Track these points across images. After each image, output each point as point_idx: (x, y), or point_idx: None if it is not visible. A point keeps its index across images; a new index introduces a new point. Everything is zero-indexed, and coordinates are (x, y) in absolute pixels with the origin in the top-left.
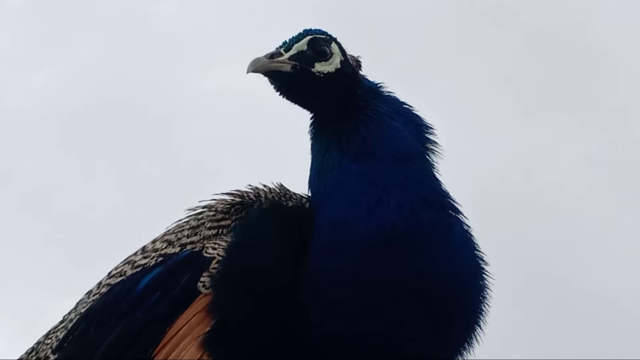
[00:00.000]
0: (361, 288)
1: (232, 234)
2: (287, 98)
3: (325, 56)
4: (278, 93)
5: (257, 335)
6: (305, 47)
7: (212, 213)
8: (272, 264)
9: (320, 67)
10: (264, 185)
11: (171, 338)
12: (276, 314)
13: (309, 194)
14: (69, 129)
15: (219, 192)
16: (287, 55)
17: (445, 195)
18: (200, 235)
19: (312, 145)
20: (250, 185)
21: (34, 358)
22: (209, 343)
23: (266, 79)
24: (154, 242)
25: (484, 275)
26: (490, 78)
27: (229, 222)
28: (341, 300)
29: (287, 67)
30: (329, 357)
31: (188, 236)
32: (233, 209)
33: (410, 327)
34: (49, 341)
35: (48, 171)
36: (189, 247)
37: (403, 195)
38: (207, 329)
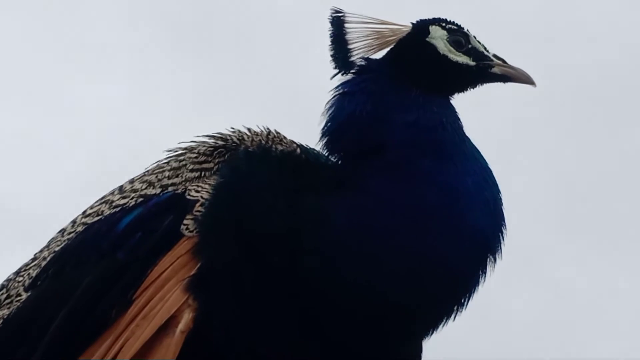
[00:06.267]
0: (423, 252)
1: (217, 175)
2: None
3: None
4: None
5: (245, 280)
6: None
7: (194, 155)
8: (262, 208)
9: None
10: (248, 129)
11: (154, 280)
12: (266, 259)
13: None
14: None
15: (200, 135)
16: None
17: None
18: (182, 177)
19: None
20: (232, 128)
21: (4, 295)
22: (194, 286)
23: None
24: (132, 182)
25: None
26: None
27: (211, 164)
28: (385, 254)
29: None
30: (320, 310)
31: (169, 177)
32: (216, 152)
33: (430, 306)
34: (21, 279)
35: None
36: (170, 188)
37: (502, 211)
38: (193, 272)
